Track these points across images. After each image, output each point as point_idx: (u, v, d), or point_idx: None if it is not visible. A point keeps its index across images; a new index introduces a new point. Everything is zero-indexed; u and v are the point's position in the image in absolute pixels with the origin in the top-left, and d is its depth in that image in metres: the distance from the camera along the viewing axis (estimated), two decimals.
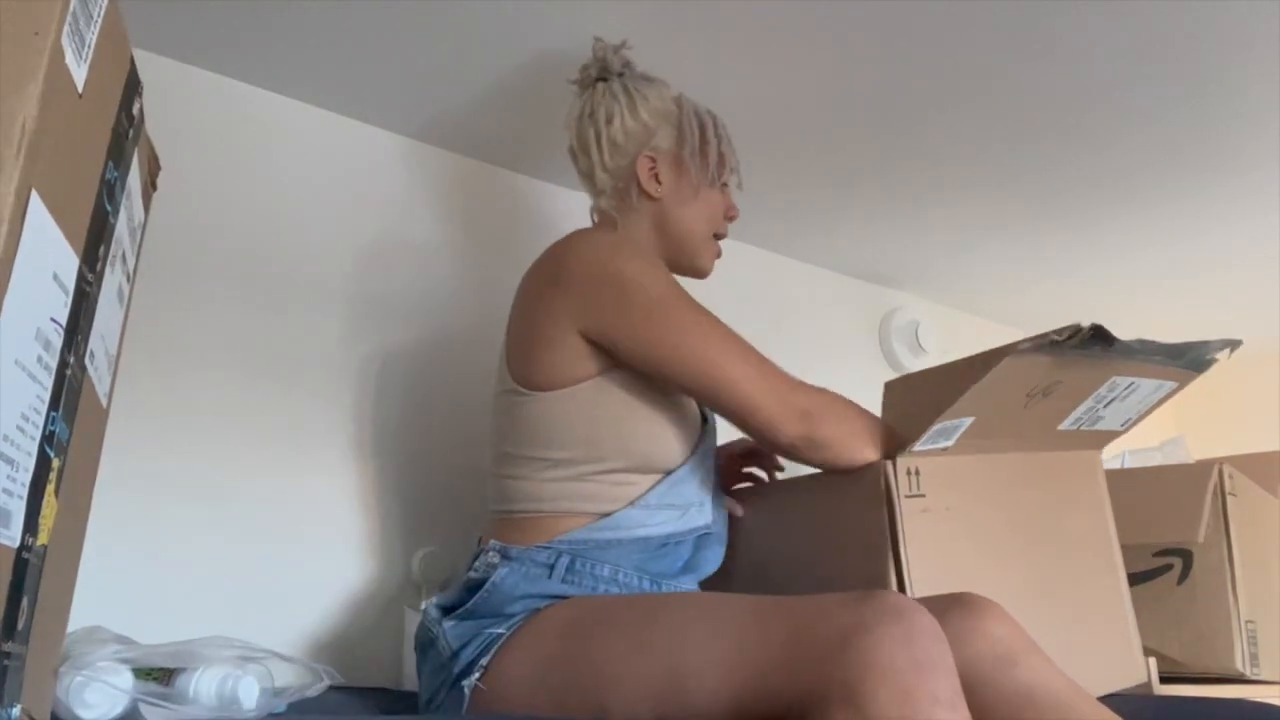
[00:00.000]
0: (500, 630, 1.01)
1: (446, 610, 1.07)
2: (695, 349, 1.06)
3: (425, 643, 1.07)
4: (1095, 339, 1.07)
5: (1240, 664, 1.50)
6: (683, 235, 1.26)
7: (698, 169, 1.24)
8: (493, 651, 0.99)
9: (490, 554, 1.09)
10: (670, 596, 1.01)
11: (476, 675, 0.98)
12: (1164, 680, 1.35)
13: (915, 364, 2.26)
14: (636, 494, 1.10)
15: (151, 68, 1.18)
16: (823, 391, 1.13)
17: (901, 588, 1.10)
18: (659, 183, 1.23)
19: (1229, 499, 1.57)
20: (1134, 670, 1.29)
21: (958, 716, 0.72)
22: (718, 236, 1.30)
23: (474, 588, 1.06)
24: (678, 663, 0.85)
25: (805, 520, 1.26)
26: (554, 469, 1.09)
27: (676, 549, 1.12)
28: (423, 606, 1.09)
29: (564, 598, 1.03)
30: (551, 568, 1.06)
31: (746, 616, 0.84)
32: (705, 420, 1.22)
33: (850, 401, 1.15)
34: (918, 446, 1.13)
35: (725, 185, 1.29)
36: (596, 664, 0.91)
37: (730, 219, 1.30)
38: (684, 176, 1.24)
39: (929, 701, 0.71)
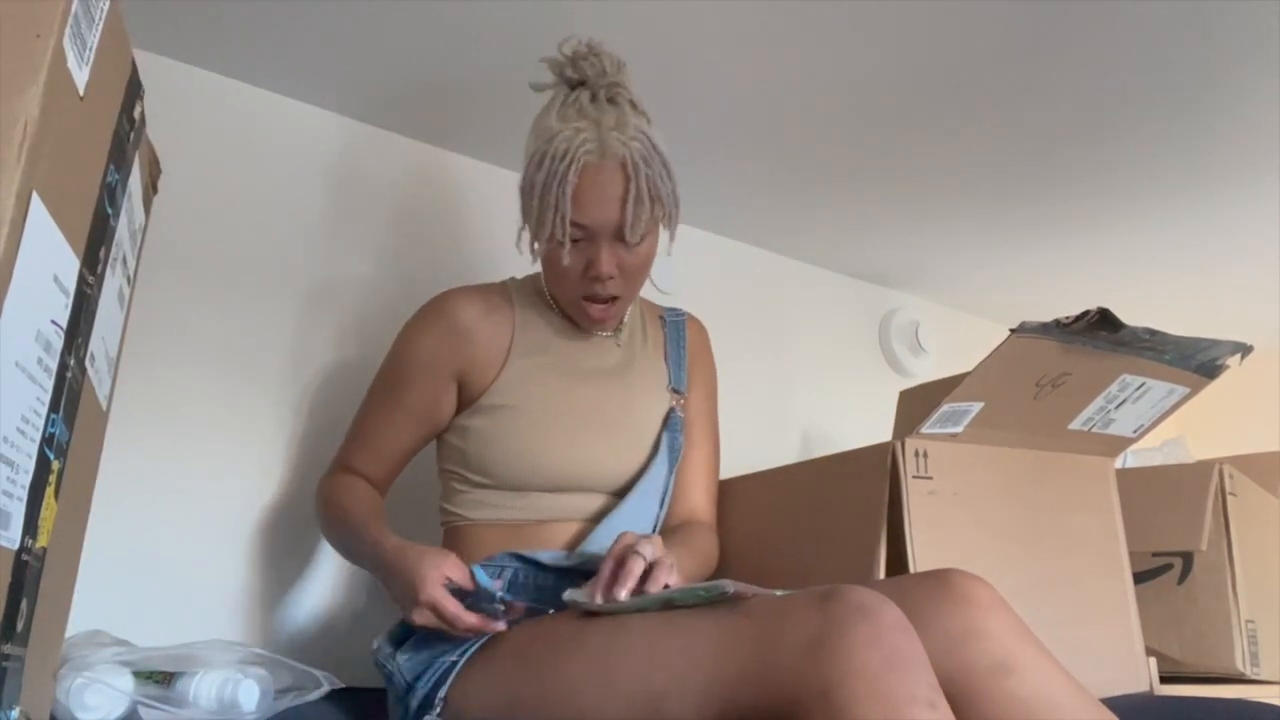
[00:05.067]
0: (453, 658, 0.99)
1: (397, 643, 1.05)
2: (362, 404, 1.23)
3: (385, 675, 1.05)
4: (1102, 323, 1.08)
5: (1240, 664, 1.50)
6: (553, 293, 1.20)
7: (536, 245, 1.12)
8: (449, 683, 0.97)
9: None
10: (628, 615, 0.95)
11: (437, 710, 0.96)
12: (1164, 680, 1.35)
13: (915, 364, 2.26)
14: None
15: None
16: (342, 505, 1.14)
17: (904, 566, 1.10)
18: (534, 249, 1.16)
19: (1229, 499, 1.57)
20: (1135, 677, 1.29)
21: (938, 715, 0.71)
22: (589, 299, 1.13)
23: None
24: (652, 687, 0.82)
25: (802, 503, 1.27)
26: None
27: None
28: (374, 645, 1.06)
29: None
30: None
31: (712, 629, 0.82)
32: (656, 449, 1.21)
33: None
34: (925, 428, 1.14)
35: (576, 241, 1.08)
36: (568, 695, 0.88)
37: (595, 277, 1.10)
38: (540, 249, 1.13)
39: (908, 702, 0.69)
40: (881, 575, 1.12)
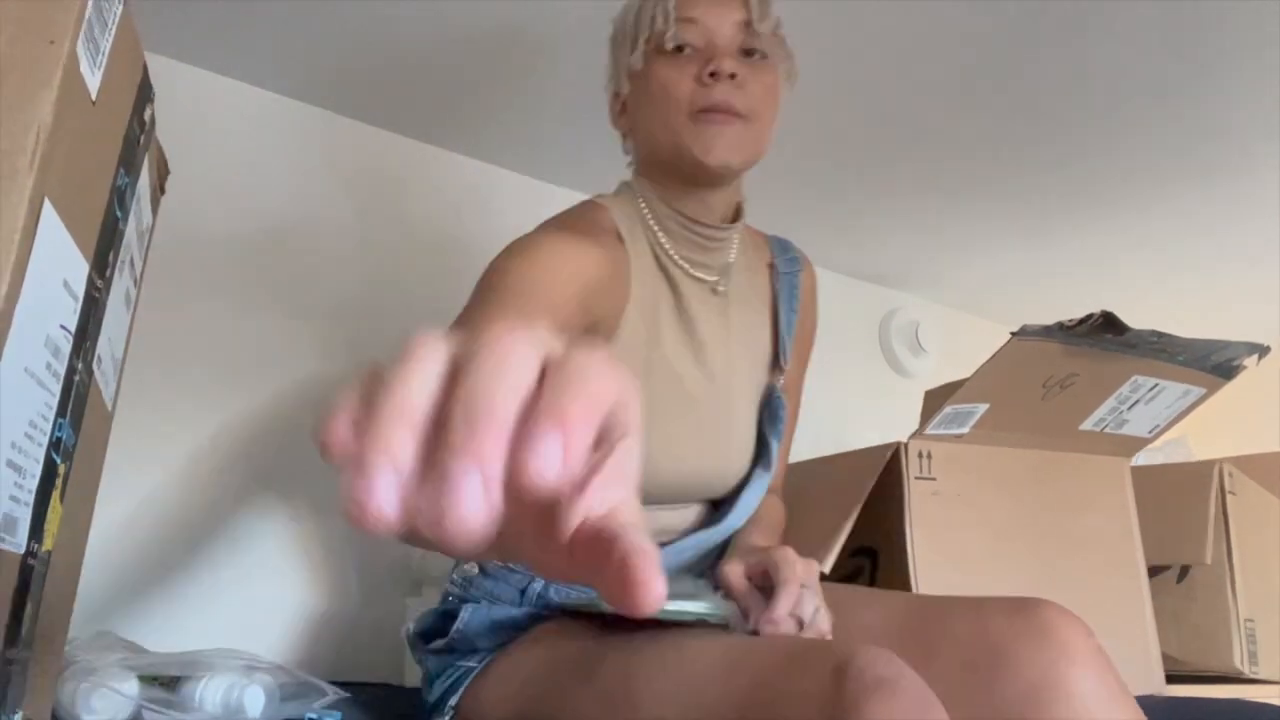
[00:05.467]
0: (472, 664, 0.97)
1: (424, 637, 1.02)
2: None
3: (416, 660, 1.05)
4: (1105, 326, 1.08)
5: (1239, 662, 1.51)
6: (655, 142, 0.98)
7: (633, 56, 0.96)
8: (461, 689, 0.96)
9: (465, 565, 1.03)
10: (644, 643, 0.86)
11: (447, 717, 0.95)
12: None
13: (915, 364, 2.26)
14: None
15: None
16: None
17: (904, 567, 1.11)
18: (626, 110, 1.01)
19: (1229, 498, 1.57)
20: (1148, 679, 1.29)
21: None
22: (700, 110, 0.93)
23: (447, 616, 0.99)
24: None
25: (801, 503, 1.27)
26: None
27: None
28: (405, 630, 1.05)
29: (539, 618, 0.97)
30: (522, 592, 1.00)
31: (727, 679, 0.76)
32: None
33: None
34: (929, 430, 1.14)
35: (681, 49, 0.94)
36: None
37: (713, 75, 0.92)
38: (635, 81, 0.98)
39: None
40: (833, 560, 1.10)
